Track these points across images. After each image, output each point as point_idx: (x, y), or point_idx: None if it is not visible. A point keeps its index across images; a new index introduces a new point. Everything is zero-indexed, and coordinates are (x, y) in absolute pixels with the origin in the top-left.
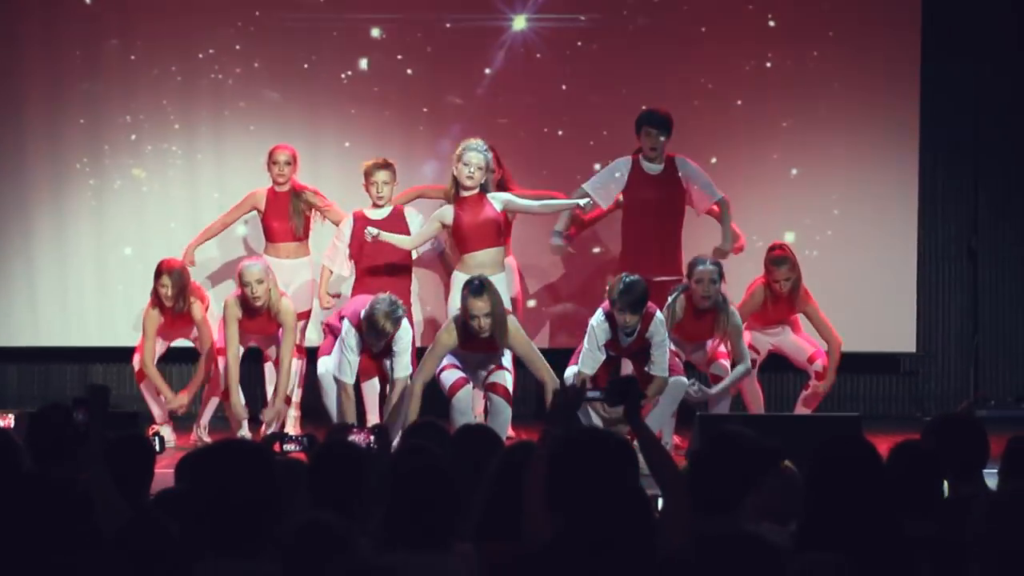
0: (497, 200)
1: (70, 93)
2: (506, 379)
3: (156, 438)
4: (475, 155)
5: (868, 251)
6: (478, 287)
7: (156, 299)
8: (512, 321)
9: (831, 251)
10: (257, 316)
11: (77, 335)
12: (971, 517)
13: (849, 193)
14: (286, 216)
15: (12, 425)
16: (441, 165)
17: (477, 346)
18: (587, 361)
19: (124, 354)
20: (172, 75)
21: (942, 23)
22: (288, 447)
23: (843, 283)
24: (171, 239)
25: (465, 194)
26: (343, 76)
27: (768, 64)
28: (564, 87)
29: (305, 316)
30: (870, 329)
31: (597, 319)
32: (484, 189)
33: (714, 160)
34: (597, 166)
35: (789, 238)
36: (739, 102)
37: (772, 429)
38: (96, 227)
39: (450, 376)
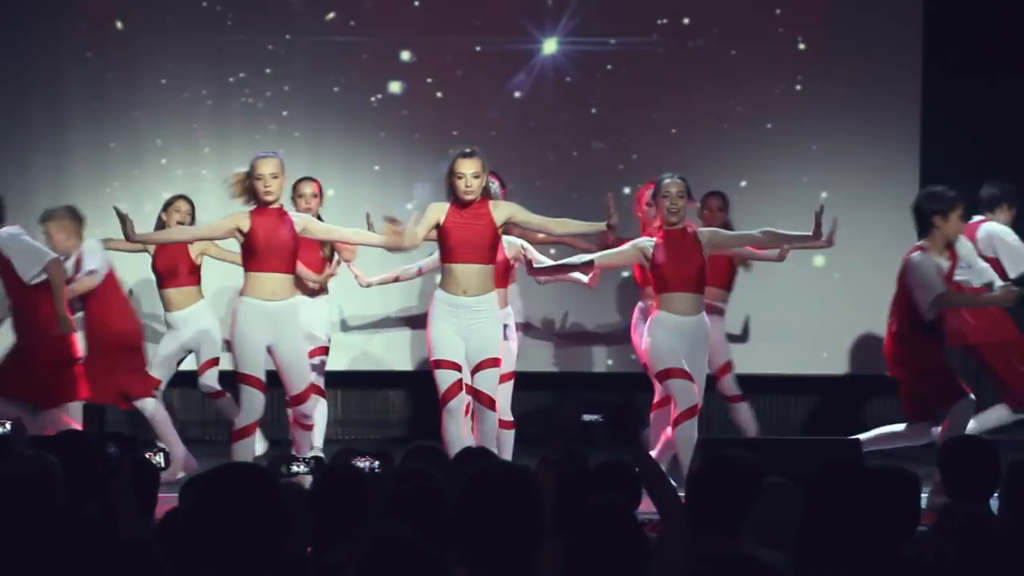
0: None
1: (102, 117)
2: (491, 381)
3: (161, 455)
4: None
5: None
6: (469, 151)
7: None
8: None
9: (858, 275)
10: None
11: None
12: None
13: (878, 217)
14: (316, 248)
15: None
16: None
17: (468, 222)
18: None
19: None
20: (203, 99)
21: (976, 43)
22: (295, 468)
23: (865, 308)
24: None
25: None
26: (373, 100)
27: (798, 87)
28: (594, 110)
29: (321, 352)
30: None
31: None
32: (486, 194)
33: (744, 183)
34: (627, 190)
35: (818, 263)
36: (769, 125)
37: (773, 452)
38: (128, 253)
39: (446, 377)
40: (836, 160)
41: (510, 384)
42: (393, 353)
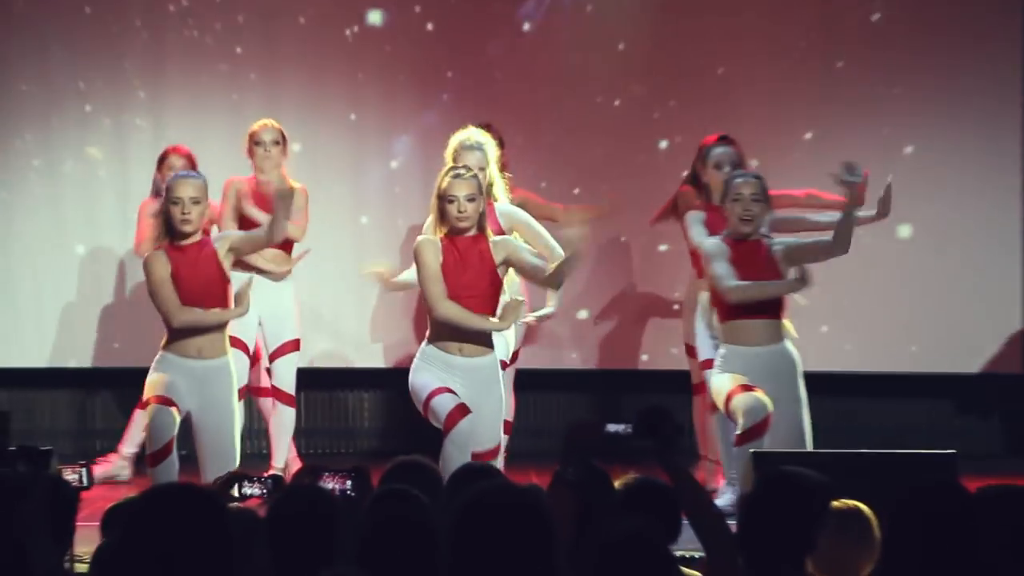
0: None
1: (9, 53)
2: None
3: (82, 471)
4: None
5: (987, 249)
6: (462, 170)
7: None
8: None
9: (953, 250)
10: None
11: (15, 353)
12: None
13: (978, 176)
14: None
15: None
16: None
17: (464, 254)
18: None
19: (68, 378)
20: (137, 31)
21: None
22: (248, 490)
23: (964, 292)
24: (131, 233)
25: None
26: (348, 33)
27: (875, 16)
28: (621, 46)
29: (293, 347)
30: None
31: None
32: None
33: (808, 135)
34: (664, 143)
35: (904, 232)
36: (840, 64)
37: (843, 470)
38: (41, 220)
39: (446, 402)
40: (923, 107)
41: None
42: (364, 347)
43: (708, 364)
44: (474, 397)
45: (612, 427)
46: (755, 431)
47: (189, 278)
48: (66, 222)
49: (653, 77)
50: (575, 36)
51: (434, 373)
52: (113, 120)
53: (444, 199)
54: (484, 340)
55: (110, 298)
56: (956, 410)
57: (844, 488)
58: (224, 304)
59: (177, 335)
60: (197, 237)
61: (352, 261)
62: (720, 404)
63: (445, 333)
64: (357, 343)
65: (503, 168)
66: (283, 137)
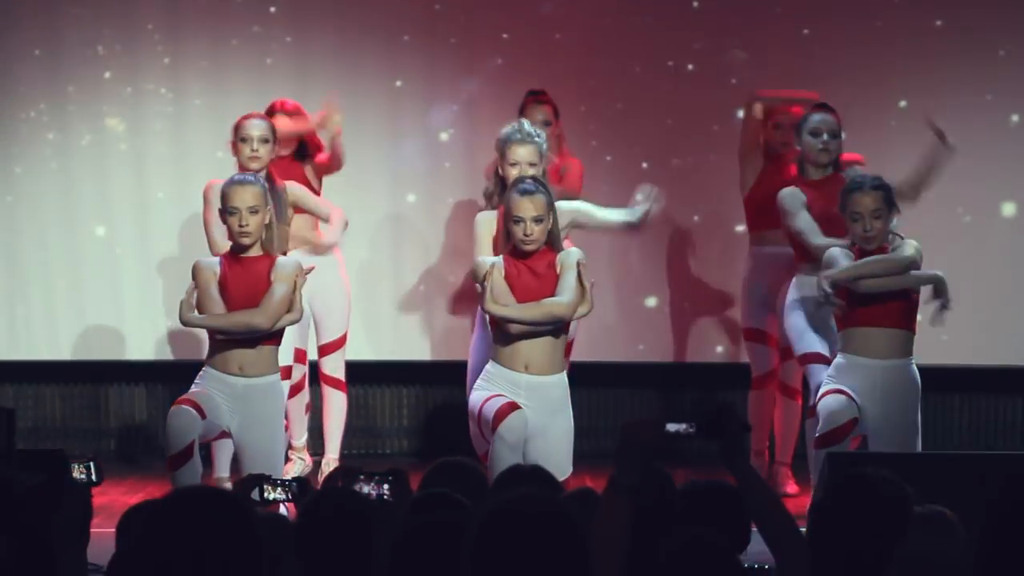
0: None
1: (20, 15)
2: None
3: (90, 465)
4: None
5: None
6: (531, 185)
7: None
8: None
9: None
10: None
11: (23, 345)
12: None
13: None
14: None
15: None
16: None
17: (530, 281)
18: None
19: (88, 371)
20: None
21: None
22: (271, 495)
23: None
24: (158, 214)
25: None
26: None
27: None
28: (696, 3)
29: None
30: None
31: None
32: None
33: (903, 103)
34: (741, 112)
35: (1008, 210)
36: (938, 22)
37: (927, 471)
38: (57, 198)
39: (495, 402)
40: None
41: None
42: (405, 338)
43: (813, 357)
44: (540, 419)
45: (672, 426)
46: (834, 435)
47: (237, 294)
48: (84, 201)
49: (730, 38)
50: None
51: (494, 392)
52: (136, 89)
53: (510, 219)
54: (553, 357)
55: (132, 286)
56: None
57: (928, 493)
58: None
59: (218, 347)
60: (258, 249)
61: (393, 245)
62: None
63: (508, 349)
64: (396, 334)
65: (559, 141)
66: (273, 134)
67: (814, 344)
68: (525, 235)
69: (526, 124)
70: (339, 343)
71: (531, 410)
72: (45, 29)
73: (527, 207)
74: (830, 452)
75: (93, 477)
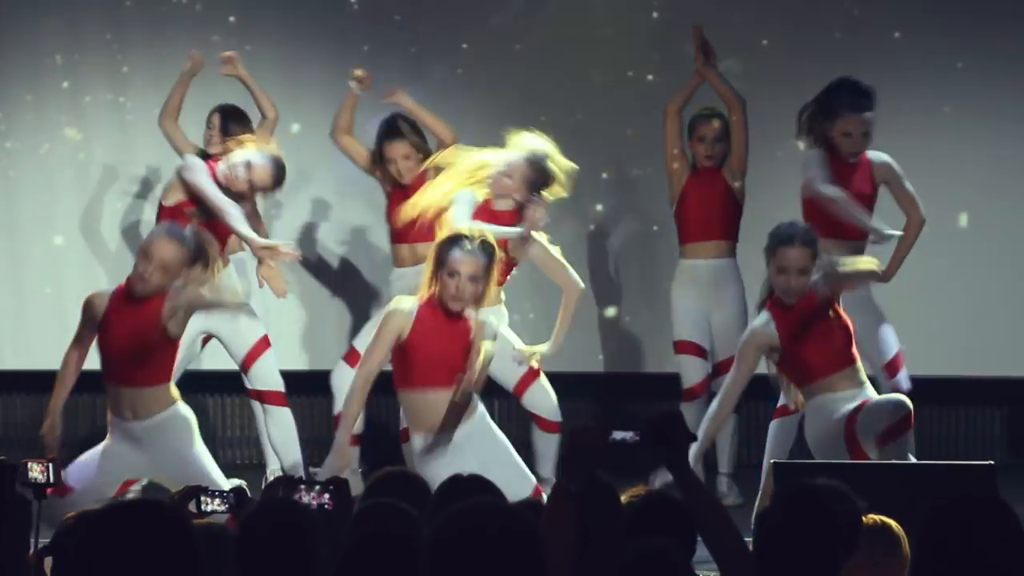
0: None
1: None
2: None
3: (47, 467)
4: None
5: None
6: (471, 246)
7: None
8: None
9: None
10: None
11: None
12: None
13: None
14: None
15: None
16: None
17: (439, 331)
18: None
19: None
20: None
21: None
22: (209, 506)
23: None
24: (119, 224)
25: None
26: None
27: None
28: (655, 15)
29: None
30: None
31: None
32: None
33: (948, 109)
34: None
35: (963, 222)
36: (897, 34)
37: (874, 482)
38: (16, 207)
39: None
40: (991, 82)
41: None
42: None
43: None
44: (482, 457)
45: (619, 434)
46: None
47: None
48: (42, 212)
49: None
50: (604, 2)
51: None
52: (94, 98)
53: (444, 271)
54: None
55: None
56: (1003, 418)
57: (874, 503)
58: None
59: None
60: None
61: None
62: None
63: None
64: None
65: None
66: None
67: None
68: (457, 292)
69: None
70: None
71: (473, 455)
72: (6, 40)
73: (467, 264)
74: (777, 463)
75: (51, 478)
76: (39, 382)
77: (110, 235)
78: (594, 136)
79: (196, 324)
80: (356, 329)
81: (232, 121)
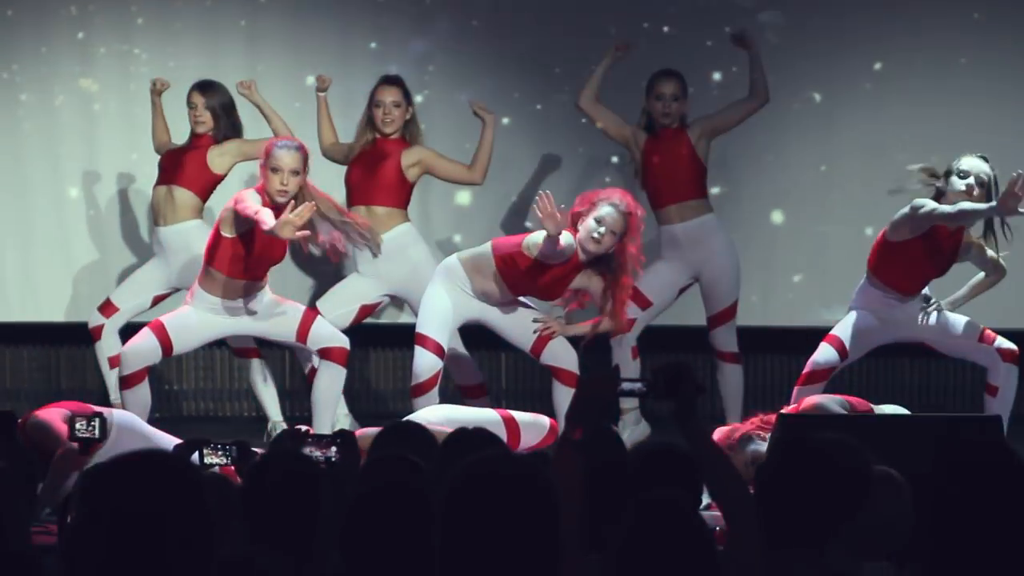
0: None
1: None
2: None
3: (95, 422)
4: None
5: None
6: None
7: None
8: None
9: None
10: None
11: (7, 307)
12: None
13: None
14: None
15: None
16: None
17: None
18: None
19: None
20: None
21: None
22: (210, 459)
23: None
24: (134, 176)
25: None
26: None
27: None
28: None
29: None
30: None
31: None
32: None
33: (878, 66)
34: (717, 75)
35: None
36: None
37: (879, 434)
38: (30, 159)
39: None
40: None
41: None
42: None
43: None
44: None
45: (627, 384)
46: None
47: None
48: (58, 163)
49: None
50: None
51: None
52: (109, 49)
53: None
54: None
55: (108, 248)
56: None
57: (878, 453)
58: None
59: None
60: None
61: None
62: None
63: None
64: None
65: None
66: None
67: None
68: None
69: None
70: None
71: None
72: None
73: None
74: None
75: (97, 433)
76: (47, 334)
77: (124, 186)
78: (609, 87)
79: (226, 329)
80: None
81: (208, 94)
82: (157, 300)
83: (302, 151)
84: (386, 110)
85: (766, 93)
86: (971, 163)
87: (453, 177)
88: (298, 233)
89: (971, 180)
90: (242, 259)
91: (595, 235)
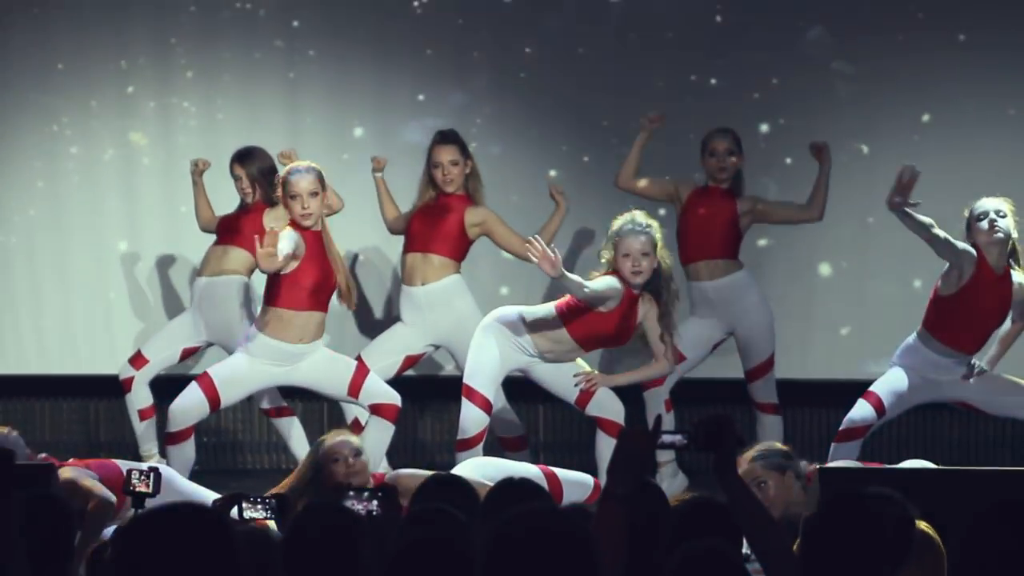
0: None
1: (46, 30)
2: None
3: (148, 478)
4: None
5: None
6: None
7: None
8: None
9: None
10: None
11: (46, 360)
12: None
13: None
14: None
15: None
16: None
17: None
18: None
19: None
20: (183, 5)
21: None
22: (249, 513)
23: None
24: (182, 230)
25: None
26: (416, 3)
27: None
28: (719, 19)
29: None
30: None
31: None
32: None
33: (926, 117)
34: (764, 127)
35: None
36: (962, 37)
37: (921, 488)
38: (77, 212)
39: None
40: None
41: None
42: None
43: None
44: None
45: (668, 437)
46: None
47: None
48: (107, 216)
49: (753, 53)
50: (668, 7)
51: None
52: (159, 103)
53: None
54: None
55: (155, 301)
56: None
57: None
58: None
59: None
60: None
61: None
62: None
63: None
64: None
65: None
66: (322, 183)
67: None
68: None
69: (639, 216)
70: None
71: None
72: (71, 44)
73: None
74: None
75: (151, 487)
76: (85, 386)
77: (172, 240)
78: (656, 140)
79: (276, 379)
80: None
81: (247, 163)
82: (187, 353)
83: (315, 172)
84: (445, 170)
85: (822, 211)
86: (981, 203)
87: (509, 247)
88: (280, 259)
89: (990, 217)
90: (305, 290)
91: (634, 270)
